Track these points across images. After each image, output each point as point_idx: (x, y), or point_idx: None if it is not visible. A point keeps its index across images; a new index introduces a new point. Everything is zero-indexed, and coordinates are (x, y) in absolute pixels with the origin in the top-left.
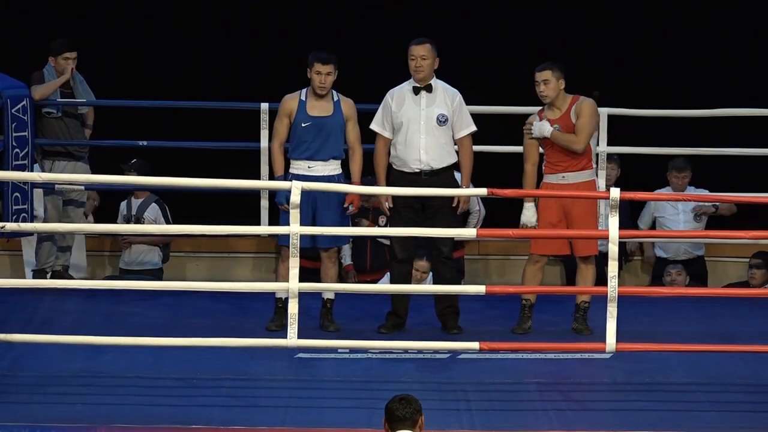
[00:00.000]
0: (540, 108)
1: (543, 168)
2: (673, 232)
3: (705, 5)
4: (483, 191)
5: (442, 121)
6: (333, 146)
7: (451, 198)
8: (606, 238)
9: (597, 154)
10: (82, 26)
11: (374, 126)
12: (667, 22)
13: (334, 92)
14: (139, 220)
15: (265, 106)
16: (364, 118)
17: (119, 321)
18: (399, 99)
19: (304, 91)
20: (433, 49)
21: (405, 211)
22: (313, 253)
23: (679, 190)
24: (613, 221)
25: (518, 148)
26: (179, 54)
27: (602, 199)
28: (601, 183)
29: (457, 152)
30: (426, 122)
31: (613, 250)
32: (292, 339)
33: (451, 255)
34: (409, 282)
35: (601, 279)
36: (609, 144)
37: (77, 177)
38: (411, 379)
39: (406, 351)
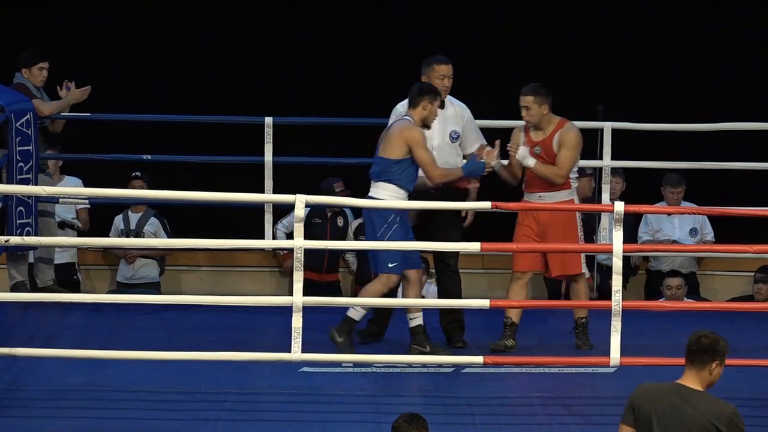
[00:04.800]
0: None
1: (522, 186)
2: (676, 246)
3: (706, 21)
4: (487, 204)
5: (454, 137)
6: None
7: (456, 211)
8: (610, 252)
9: (600, 168)
10: (86, 40)
11: None
12: (670, 37)
13: None
14: (139, 234)
15: (269, 120)
16: (372, 133)
17: (122, 335)
18: None
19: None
20: None
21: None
22: (317, 264)
23: (674, 205)
24: (617, 235)
25: None
26: (183, 68)
27: (606, 212)
28: (606, 197)
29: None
30: (440, 139)
31: (617, 264)
32: (295, 353)
33: (456, 268)
34: (393, 296)
35: (606, 293)
36: (612, 158)
37: (81, 190)
38: (415, 393)
39: (410, 365)
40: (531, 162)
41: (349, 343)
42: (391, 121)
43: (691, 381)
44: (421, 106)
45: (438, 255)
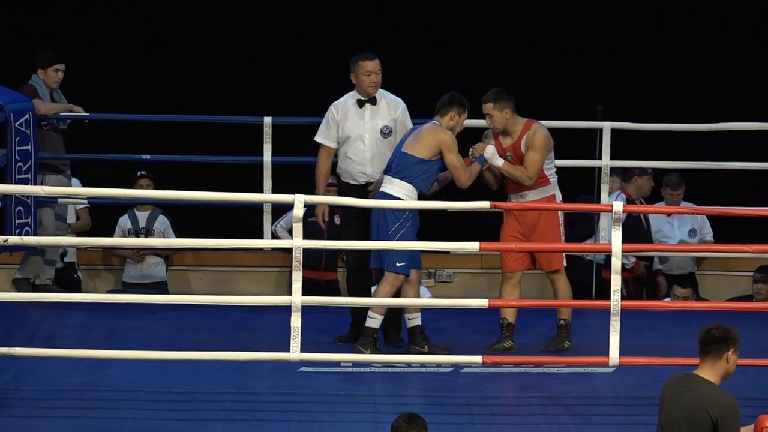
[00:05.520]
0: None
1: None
2: (676, 246)
3: (706, 21)
4: (486, 204)
5: (385, 133)
6: None
7: None
8: (609, 251)
9: (600, 168)
10: (84, 40)
11: (319, 138)
12: (670, 37)
13: None
14: (150, 232)
15: (268, 120)
16: None
17: (122, 335)
18: (343, 112)
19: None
20: None
21: (353, 222)
22: (314, 263)
23: (673, 206)
24: (616, 235)
25: None
26: (183, 68)
27: (605, 212)
28: (605, 197)
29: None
30: (371, 135)
31: (616, 263)
32: (294, 353)
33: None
34: (367, 291)
35: (606, 292)
36: (612, 158)
37: (80, 190)
38: (414, 393)
39: (408, 365)
40: (499, 161)
41: (377, 353)
42: (335, 116)
43: (705, 372)
44: (449, 116)
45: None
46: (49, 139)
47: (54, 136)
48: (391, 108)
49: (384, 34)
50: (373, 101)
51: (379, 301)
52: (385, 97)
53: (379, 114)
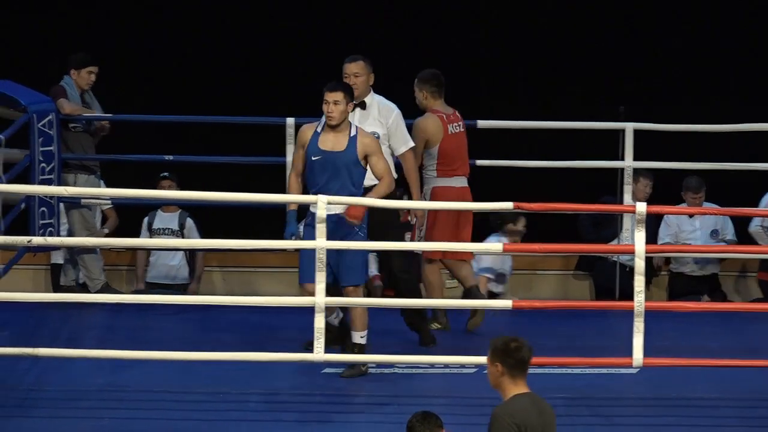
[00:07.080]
0: None
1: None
2: (698, 247)
3: (730, 22)
4: (509, 205)
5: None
6: (340, 185)
7: (395, 213)
8: (632, 252)
9: (623, 169)
10: (105, 40)
11: None
12: (693, 38)
13: (354, 126)
14: (176, 233)
15: (291, 120)
16: None
17: (146, 335)
18: None
19: (322, 121)
20: (367, 65)
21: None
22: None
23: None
24: (639, 236)
25: (544, 163)
26: (205, 68)
27: (629, 213)
28: (627, 198)
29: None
30: None
31: (639, 264)
32: (318, 354)
33: (402, 269)
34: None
35: (629, 293)
36: (635, 159)
37: (104, 191)
38: (437, 393)
39: (432, 365)
40: None
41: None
42: None
43: (525, 386)
44: None
45: (383, 261)
46: (78, 140)
47: (84, 137)
48: (383, 114)
49: (394, 35)
50: (362, 105)
51: (397, 302)
52: (377, 101)
53: (368, 119)
